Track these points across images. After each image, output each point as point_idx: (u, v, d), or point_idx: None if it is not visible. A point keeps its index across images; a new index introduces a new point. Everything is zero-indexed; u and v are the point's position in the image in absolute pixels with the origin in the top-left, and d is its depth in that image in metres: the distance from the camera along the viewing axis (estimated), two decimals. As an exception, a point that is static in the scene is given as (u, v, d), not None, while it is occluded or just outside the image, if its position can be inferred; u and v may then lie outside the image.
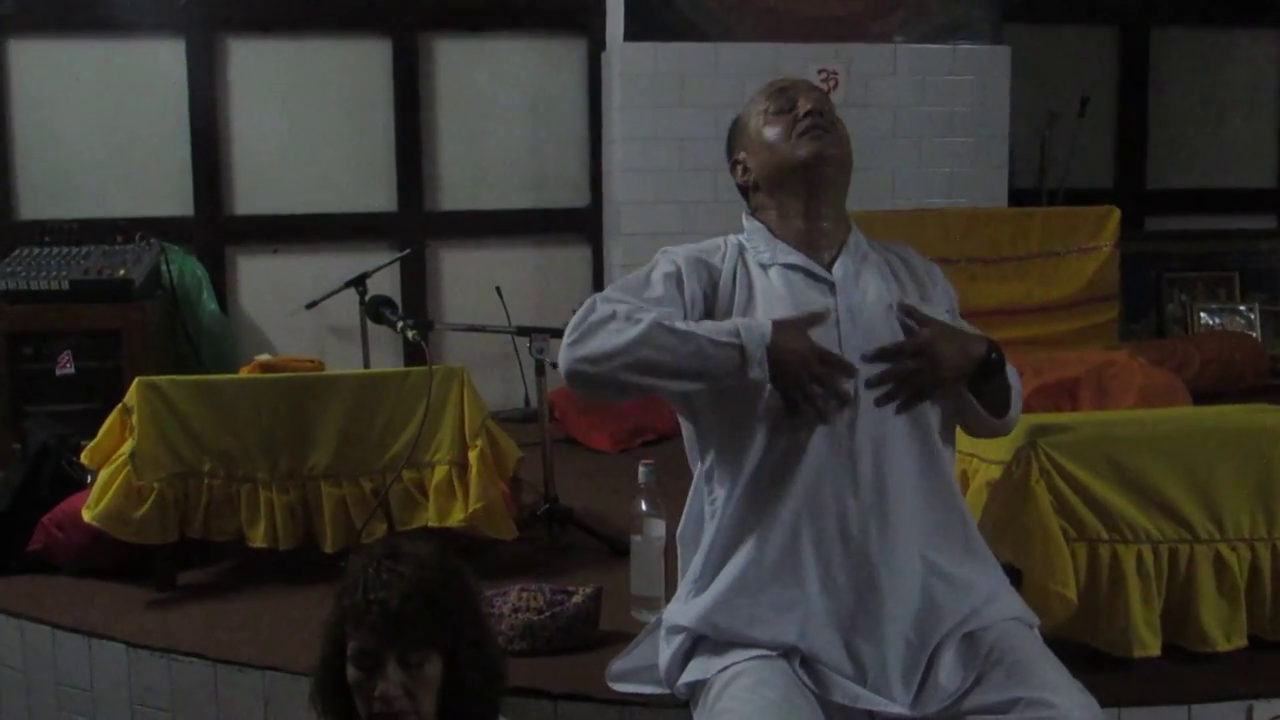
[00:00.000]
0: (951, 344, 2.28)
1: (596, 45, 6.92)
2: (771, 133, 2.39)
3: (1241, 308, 7.41)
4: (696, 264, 2.37)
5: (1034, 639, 2.33)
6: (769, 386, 2.19)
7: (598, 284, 7.01)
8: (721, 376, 2.18)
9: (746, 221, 2.48)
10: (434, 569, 2.26)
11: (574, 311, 5.95)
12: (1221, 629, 2.96)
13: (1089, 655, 2.93)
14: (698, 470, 2.42)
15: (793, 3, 6.58)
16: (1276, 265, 7.63)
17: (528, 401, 6.60)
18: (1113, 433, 2.98)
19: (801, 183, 2.36)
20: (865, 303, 2.31)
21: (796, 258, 2.36)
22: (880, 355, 2.24)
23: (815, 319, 2.22)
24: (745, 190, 2.50)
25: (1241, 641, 2.98)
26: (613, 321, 2.16)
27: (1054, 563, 2.85)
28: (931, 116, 6.52)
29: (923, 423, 2.31)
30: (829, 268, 2.35)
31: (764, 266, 2.36)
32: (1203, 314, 7.39)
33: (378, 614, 2.17)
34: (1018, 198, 6.88)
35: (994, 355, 2.32)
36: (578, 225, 7.08)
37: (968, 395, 2.34)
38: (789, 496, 2.23)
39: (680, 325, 2.17)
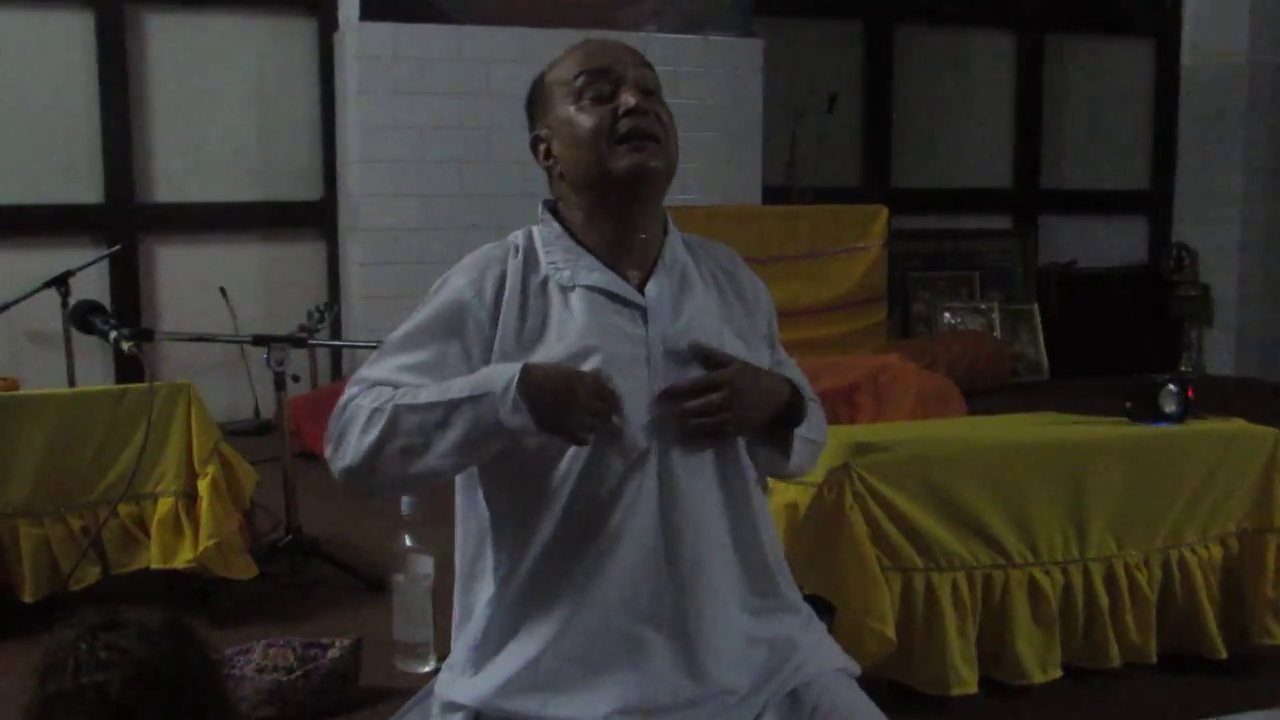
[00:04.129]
0: (755, 382, 1.99)
1: (328, 25, 6.41)
2: (584, 123, 1.98)
3: (982, 306, 7.52)
4: (479, 287, 1.98)
5: (856, 692, 2.09)
6: (569, 453, 1.87)
7: (334, 283, 6.51)
8: (487, 438, 1.84)
9: (543, 219, 2.08)
10: (163, 640, 1.81)
11: (309, 316, 5.42)
12: (1037, 660, 2.80)
13: (902, 694, 2.72)
14: (475, 513, 2.05)
15: (541, -15, 6.28)
16: (1012, 265, 7.79)
17: (258, 411, 6.05)
18: (928, 453, 2.78)
19: (616, 195, 1.99)
20: (682, 330, 1.99)
21: (602, 277, 1.98)
22: (676, 393, 1.92)
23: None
24: (548, 171, 2.10)
25: (1056, 673, 2.84)
26: (360, 417, 1.88)
27: (870, 597, 2.62)
28: (683, 110, 6.12)
29: (736, 473, 2.01)
30: (642, 286, 2.00)
31: (564, 288, 1.98)
32: (946, 313, 7.46)
33: (94, 702, 1.72)
34: (768, 195, 6.75)
35: (795, 401, 2.05)
36: (310, 219, 6.55)
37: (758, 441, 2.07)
38: (596, 571, 1.90)
39: (423, 397, 1.85)
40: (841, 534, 2.64)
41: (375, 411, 1.86)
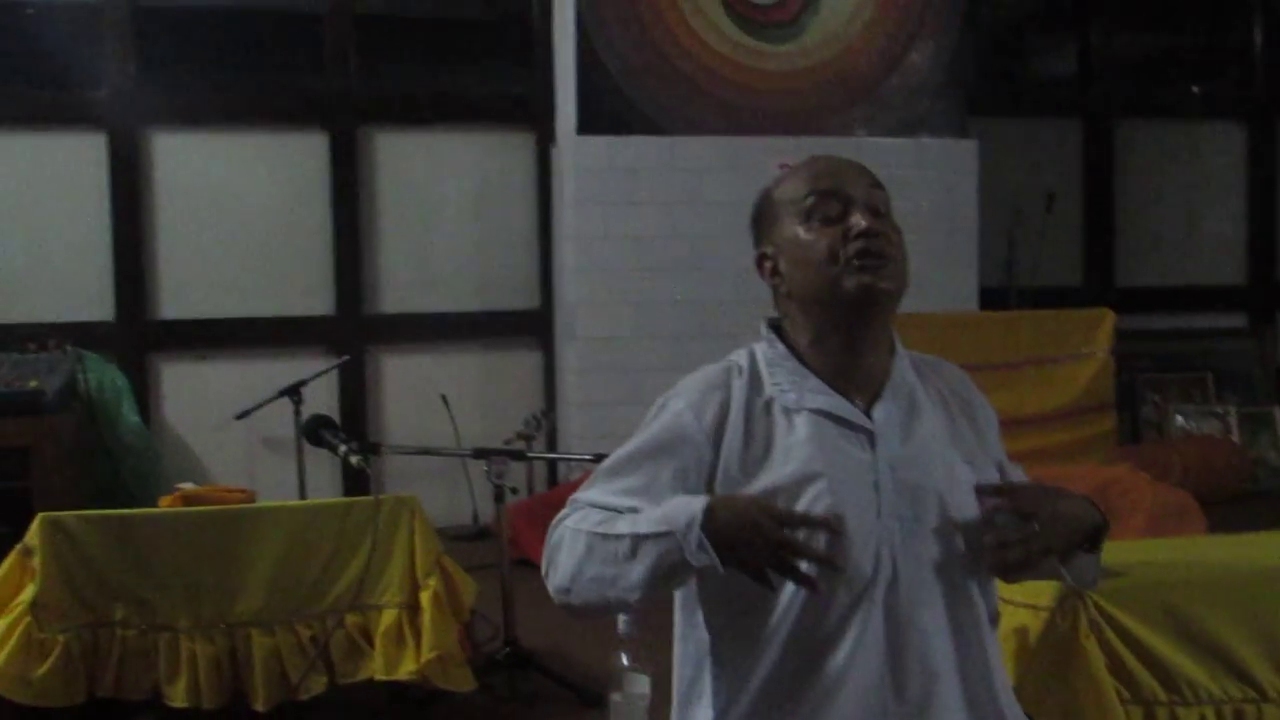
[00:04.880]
0: (1070, 503, 1.90)
1: (546, 139, 6.60)
2: (813, 244, 1.94)
3: (1218, 409, 7.16)
4: (699, 411, 1.95)
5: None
6: (790, 585, 1.81)
7: (550, 390, 6.62)
8: (674, 574, 1.79)
9: (767, 337, 2.04)
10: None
11: (526, 423, 5.51)
12: (1298, 805, 2.58)
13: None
14: (694, 636, 2.00)
15: (751, 95, 6.34)
16: (1249, 365, 7.41)
17: (476, 516, 6.16)
18: (1169, 578, 2.63)
19: (846, 316, 1.94)
20: (911, 456, 1.92)
21: (829, 401, 1.93)
22: (991, 496, 1.86)
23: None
24: (774, 290, 2.06)
25: (1318, 818, 2.61)
26: (565, 539, 1.88)
27: (1110, 732, 2.46)
28: (897, 214, 6.19)
29: (966, 606, 1.92)
30: (869, 409, 1.94)
31: (789, 411, 1.93)
32: (1178, 416, 7.12)
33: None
34: (986, 297, 6.60)
35: (1100, 523, 1.94)
36: (528, 328, 6.70)
37: (1059, 565, 1.96)
38: (820, 708, 1.84)
39: (618, 527, 1.82)
40: (1076, 664, 2.51)
41: (577, 534, 1.85)
